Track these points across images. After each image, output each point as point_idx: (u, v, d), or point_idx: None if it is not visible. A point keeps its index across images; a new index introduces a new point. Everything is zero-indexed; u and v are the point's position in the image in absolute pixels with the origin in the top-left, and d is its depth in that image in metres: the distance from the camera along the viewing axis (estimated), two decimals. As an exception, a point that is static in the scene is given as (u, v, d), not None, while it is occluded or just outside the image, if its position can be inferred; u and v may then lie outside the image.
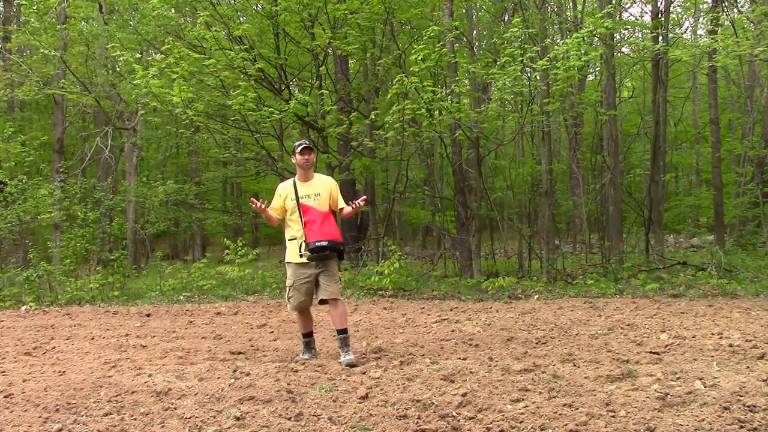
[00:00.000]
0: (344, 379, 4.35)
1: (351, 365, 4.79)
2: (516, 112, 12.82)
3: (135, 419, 3.58)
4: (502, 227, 16.03)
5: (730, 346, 5.09)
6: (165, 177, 17.95)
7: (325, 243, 4.90)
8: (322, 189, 5.07)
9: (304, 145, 5.09)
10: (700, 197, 17.56)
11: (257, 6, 11.94)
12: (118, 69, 12.99)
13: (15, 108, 17.74)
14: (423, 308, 8.03)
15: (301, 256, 4.97)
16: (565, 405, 3.61)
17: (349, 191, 14.25)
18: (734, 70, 17.80)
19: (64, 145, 15.29)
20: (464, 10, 13.00)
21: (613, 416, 3.42)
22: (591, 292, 9.18)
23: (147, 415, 3.64)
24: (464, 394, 3.83)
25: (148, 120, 15.19)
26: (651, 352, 4.97)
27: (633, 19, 16.98)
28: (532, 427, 3.29)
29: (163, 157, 20.83)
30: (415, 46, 9.53)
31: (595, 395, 3.81)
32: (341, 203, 5.13)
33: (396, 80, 9.34)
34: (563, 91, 10.63)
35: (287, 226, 5.13)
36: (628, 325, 6.33)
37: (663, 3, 12.89)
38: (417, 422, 3.41)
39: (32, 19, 12.60)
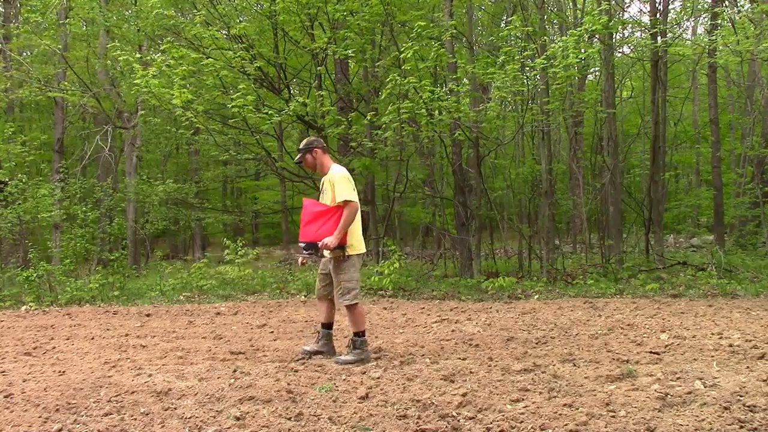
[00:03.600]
0: (344, 379, 4.35)
1: (339, 363, 4.81)
2: (516, 111, 12.82)
3: (135, 419, 3.57)
4: (502, 227, 16.02)
5: (730, 346, 5.10)
6: (165, 176, 17.95)
7: (302, 245, 4.89)
8: (327, 184, 4.94)
9: (296, 159, 5.07)
10: (700, 197, 17.56)
11: (258, 5, 11.94)
12: (118, 68, 12.98)
13: (15, 108, 17.74)
14: (423, 308, 8.03)
15: None
16: (565, 405, 3.61)
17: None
18: (734, 70, 17.80)
19: (64, 145, 15.29)
20: (464, 11, 13.00)
21: (613, 416, 3.42)
22: (591, 292, 9.19)
23: (147, 415, 3.64)
24: (464, 394, 3.83)
25: (147, 120, 15.18)
26: (651, 352, 4.97)
27: (632, 19, 16.96)
28: (532, 427, 3.29)
29: (163, 156, 20.84)
30: (405, 45, 9.52)
31: (595, 395, 3.81)
32: (338, 198, 4.82)
33: (389, 80, 9.34)
34: (563, 90, 10.63)
35: None
36: (628, 325, 6.33)
37: (661, 2, 12.90)
38: (417, 422, 3.41)
39: (32, 18, 12.59)
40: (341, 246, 4.86)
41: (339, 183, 4.84)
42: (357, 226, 4.98)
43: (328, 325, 5.19)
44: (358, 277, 4.97)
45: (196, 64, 10.23)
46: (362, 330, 4.95)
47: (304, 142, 5.14)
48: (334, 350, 5.19)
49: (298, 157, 5.14)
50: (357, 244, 4.97)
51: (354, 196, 4.84)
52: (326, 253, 4.96)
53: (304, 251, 4.89)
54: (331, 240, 4.72)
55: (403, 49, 9.35)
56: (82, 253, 11.40)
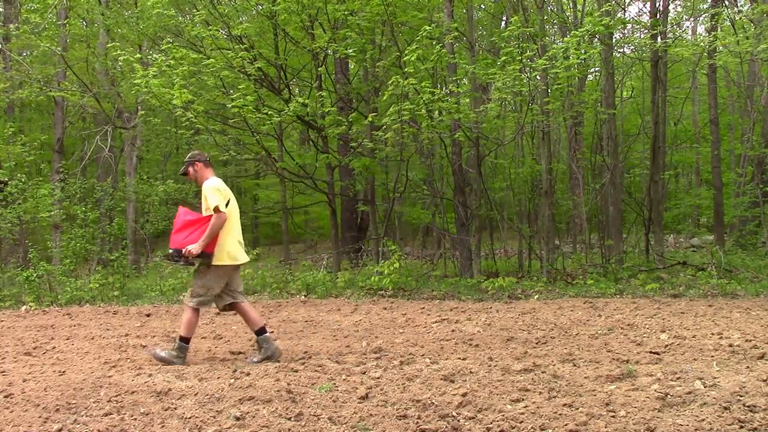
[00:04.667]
0: (344, 379, 4.35)
1: (152, 353, 5.01)
2: (516, 111, 12.82)
3: (135, 419, 3.58)
4: (502, 227, 16.01)
5: (730, 346, 5.10)
6: (165, 176, 17.93)
7: (171, 251, 4.99)
8: (202, 195, 5.06)
9: (181, 171, 5.31)
10: (700, 197, 17.55)
11: (258, 6, 11.94)
12: (118, 68, 13.00)
13: (15, 108, 17.73)
14: (423, 308, 8.03)
15: None
16: (565, 405, 3.61)
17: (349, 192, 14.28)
18: (734, 70, 17.80)
19: (64, 145, 15.28)
20: (464, 11, 13.00)
21: (613, 416, 3.42)
22: (591, 292, 9.18)
23: (147, 415, 3.64)
24: (464, 394, 3.83)
25: (147, 120, 15.19)
26: (651, 352, 4.97)
27: (632, 19, 16.96)
28: (532, 427, 3.29)
29: (163, 156, 20.81)
30: (408, 48, 9.54)
31: (595, 395, 3.81)
32: (206, 207, 4.97)
33: (391, 81, 9.35)
34: (563, 91, 10.63)
35: None
36: (628, 325, 6.33)
37: (661, 2, 12.89)
38: (417, 422, 3.41)
39: (32, 18, 12.60)
40: (206, 255, 4.89)
41: (208, 194, 4.96)
42: (229, 239, 5.02)
43: (260, 331, 5.14)
44: (212, 287, 4.98)
45: (196, 65, 10.23)
46: (188, 337, 5.02)
47: (189, 155, 5.32)
48: (279, 350, 5.14)
49: (182, 168, 5.33)
50: (225, 256, 5.00)
51: (222, 207, 4.90)
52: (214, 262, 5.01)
53: (173, 258, 4.98)
54: (194, 248, 4.81)
55: (406, 53, 9.36)
56: (82, 253, 11.39)
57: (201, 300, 4.97)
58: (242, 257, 5.15)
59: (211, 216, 4.90)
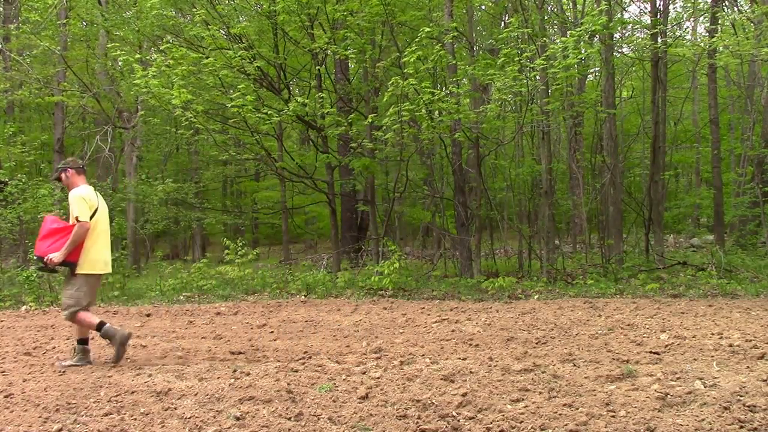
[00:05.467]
0: (344, 379, 4.35)
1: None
2: (515, 112, 12.83)
3: (135, 419, 3.58)
4: (502, 227, 16.02)
5: (730, 346, 5.10)
6: (165, 176, 17.95)
7: (35, 258, 5.07)
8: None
9: (53, 177, 5.35)
10: (700, 197, 17.55)
11: (257, 6, 11.94)
12: (118, 68, 13.00)
13: (15, 108, 17.74)
14: (423, 308, 8.03)
15: None
16: (565, 405, 3.61)
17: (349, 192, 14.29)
18: (734, 70, 17.81)
19: (64, 145, 15.28)
20: (464, 11, 13.01)
21: (613, 416, 3.42)
22: (591, 292, 9.19)
23: (147, 415, 3.64)
24: (464, 394, 3.83)
25: (147, 120, 15.19)
26: (651, 352, 4.97)
27: (632, 19, 16.96)
28: (532, 427, 3.29)
29: (163, 156, 20.82)
30: (408, 49, 9.54)
31: (595, 395, 3.81)
32: (72, 216, 5.00)
33: (391, 82, 9.35)
34: (562, 91, 10.64)
35: None
36: (628, 325, 6.33)
37: (662, 2, 12.90)
38: (417, 422, 3.41)
39: (31, 18, 12.61)
40: (69, 263, 4.92)
41: (72, 203, 4.99)
42: (96, 247, 5.04)
43: (82, 341, 5.15)
44: (81, 296, 4.98)
45: (195, 64, 10.23)
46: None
47: (63, 161, 5.39)
48: (90, 361, 5.13)
49: (54, 174, 5.38)
50: (90, 264, 5.01)
51: (86, 217, 4.92)
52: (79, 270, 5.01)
53: (37, 265, 5.08)
54: (56, 256, 4.85)
55: (406, 54, 9.37)
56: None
57: (73, 310, 4.96)
58: (107, 267, 5.18)
59: (64, 227, 4.98)
